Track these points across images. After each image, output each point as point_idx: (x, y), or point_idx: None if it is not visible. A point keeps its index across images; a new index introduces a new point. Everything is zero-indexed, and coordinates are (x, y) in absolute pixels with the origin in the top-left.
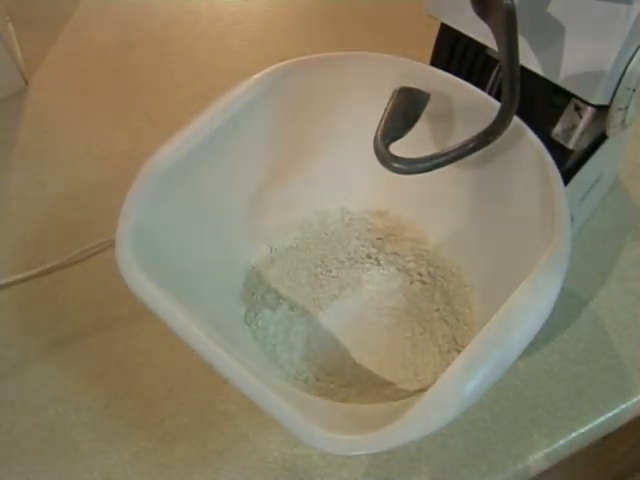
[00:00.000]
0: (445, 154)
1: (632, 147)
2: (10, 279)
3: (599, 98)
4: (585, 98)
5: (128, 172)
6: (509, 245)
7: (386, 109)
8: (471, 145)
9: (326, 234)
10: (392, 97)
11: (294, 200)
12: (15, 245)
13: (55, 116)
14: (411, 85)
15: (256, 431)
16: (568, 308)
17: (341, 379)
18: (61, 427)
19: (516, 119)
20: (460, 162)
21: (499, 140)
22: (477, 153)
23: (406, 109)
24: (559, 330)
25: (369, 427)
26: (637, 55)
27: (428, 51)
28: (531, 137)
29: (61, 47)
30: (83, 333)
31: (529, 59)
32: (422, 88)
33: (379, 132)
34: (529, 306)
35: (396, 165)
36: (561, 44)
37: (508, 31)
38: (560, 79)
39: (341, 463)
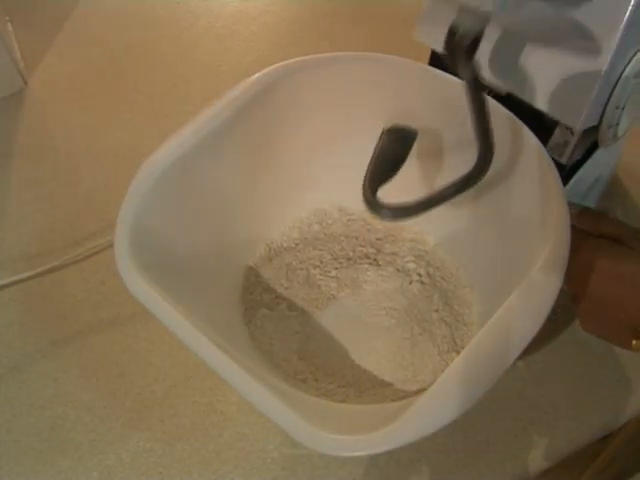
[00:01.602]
0: (429, 201)
1: (632, 147)
2: (10, 279)
3: (585, 124)
4: (571, 125)
5: (127, 172)
6: (508, 245)
7: (374, 154)
8: (453, 189)
9: (325, 234)
10: (380, 138)
11: (293, 200)
12: (15, 245)
13: (54, 116)
14: (402, 116)
15: (255, 431)
16: (567, 308)
17: (340, 380)
18: (61, 427)
19: (516, 120)
20: (459, 162)
21: (499, 141)
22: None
23: (394, 151)
24: (559, 330)
25: (368, 428)
26: (624, 76)
27: (427, 51)
28: (530, 138)
29: (60, 48)
30: (83, 333)
31: (516, 87)
32: (419, 89)
33: (366, 180)
34: (528, 306)
35: (384, 212)
36: (546, 72)
37: (474, 98)
38: (546, 107)
39: (340, 463)
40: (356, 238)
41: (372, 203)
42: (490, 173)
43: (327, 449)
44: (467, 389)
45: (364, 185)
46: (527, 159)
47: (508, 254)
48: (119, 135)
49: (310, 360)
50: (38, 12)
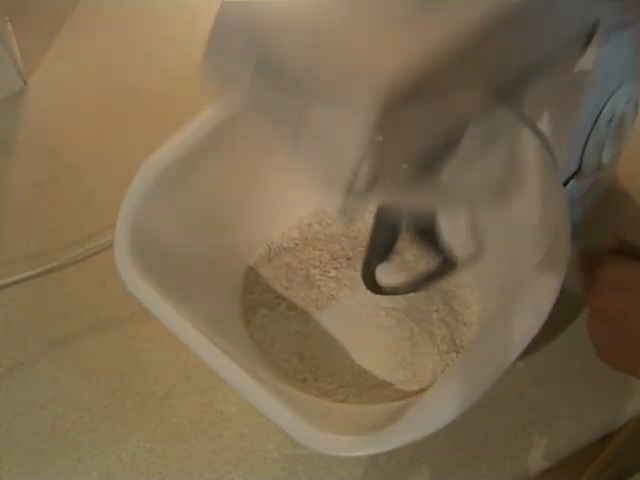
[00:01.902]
0: (418, 282)
1: (631, 147)
2: (10, 279)
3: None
4: None
5: (127, 172)
6: (508, 245)
7: (368, 241)
8: (425, 279)
9: (325, 234)
10: (373, 224)
11: (293, 200)
12: (15, 246)
13: (54, 116)
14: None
15: (255, 431)
16: (568, 308)
17: (340, 379)
18: (61, 427)
19: (515, 119)
20: (459, 162)
21: (498, 140)
22: (477, 154)
23: (386, 234)
24: (559, 330)
25: (368, 428)
26: (596, 128)
27: None
28: (531, 138)
29: (60, 47)
30: (82, 333)
31: None
32: None
33: (364, 267)
34: (528, 306)
35: (385, 293)
36: None
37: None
38: None
39: (340, 463)
40: (356, 238)
41: (372, 287)
42: (490, 173)
43: (327, 449)
44: (467, 389)
45: (363, 272)
46: (527, 159)
47: (508, 254)
48: (118, 135)
49: (310, 360)
50: (38, 12)
